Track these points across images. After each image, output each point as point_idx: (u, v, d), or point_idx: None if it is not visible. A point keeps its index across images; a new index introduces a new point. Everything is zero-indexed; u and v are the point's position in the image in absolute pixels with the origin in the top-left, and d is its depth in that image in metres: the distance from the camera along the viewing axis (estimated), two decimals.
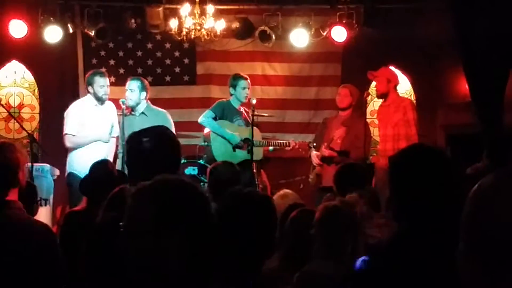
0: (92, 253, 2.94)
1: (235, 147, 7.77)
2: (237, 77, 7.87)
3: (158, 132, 3.14)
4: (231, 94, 7.83)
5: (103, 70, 7.63)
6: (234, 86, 7.79)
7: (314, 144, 7.76)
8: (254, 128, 7.61)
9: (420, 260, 2.19)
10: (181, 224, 1.78)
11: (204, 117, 7.81)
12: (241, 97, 7.78)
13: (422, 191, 2.29)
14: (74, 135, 7.27)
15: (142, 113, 7.50)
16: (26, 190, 3.27)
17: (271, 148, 8.08)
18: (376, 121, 8.64)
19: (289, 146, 7.89)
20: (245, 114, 7.84)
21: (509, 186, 1.49)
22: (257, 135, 7.80)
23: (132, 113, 7.52)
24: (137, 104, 7.50)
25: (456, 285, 1.52)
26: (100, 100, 7.38)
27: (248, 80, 7.85)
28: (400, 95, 8.77)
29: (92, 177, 5.04)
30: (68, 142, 7.31)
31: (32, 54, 9.41)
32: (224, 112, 7.80)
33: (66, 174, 7.32)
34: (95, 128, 7.35)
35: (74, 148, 7.28)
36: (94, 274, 2.87)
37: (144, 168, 2.99)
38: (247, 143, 7.63)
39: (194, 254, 1.80)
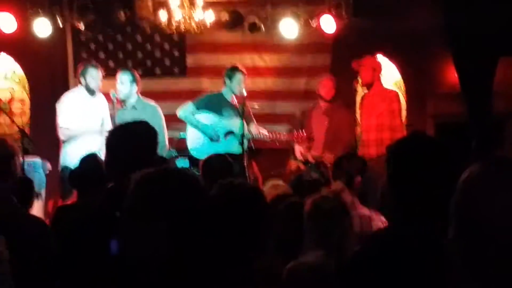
0: (82, 247, 2.97)
1: (211, 139, 7.77)
2: (234, 69, 7.85)
3: (125, 129, 3.21)
4: (225, 85, 7.82)
5: (96, 63, 7.65)
6: (230, 78, 7.77)
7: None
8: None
9: (420, 249, 2.19)
10: (169, 212, 1.83)
11: (182, 111, 7.81)
12: (235, 90, 7.77)
13: (422, 182, 2.27)
14: (67, 128, 7.30)
15: (133, 106, 7.51)
16: (23, 184, 3.28)
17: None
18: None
19: (278, 137, 7.71)
20: (237, 105, 7.84)
21: (496, 174, 1.52)
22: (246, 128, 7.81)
23: (123, 106, 7.52)
24: (128, 97, 7.50)
25: (451, 273, 1.54)
26: (91, 92, 7.40)
27: (245, 74, 7.84)
28: (390, 84, 8.80)
29: (81, 170, 5.07)
30: (61, 135, 7.36)
31: (22, 48, 9.37)
32: (211, 105, 7.79)
33: (59, 168, 7.34)
34: (86, 119, 7.39)
35: (67, 141, 7.30)
36: (84, 267, 2.89)
37: (110, 164, 3.08)
38: (232, 135, 7.61)
39: (183, 243, 1.83)
